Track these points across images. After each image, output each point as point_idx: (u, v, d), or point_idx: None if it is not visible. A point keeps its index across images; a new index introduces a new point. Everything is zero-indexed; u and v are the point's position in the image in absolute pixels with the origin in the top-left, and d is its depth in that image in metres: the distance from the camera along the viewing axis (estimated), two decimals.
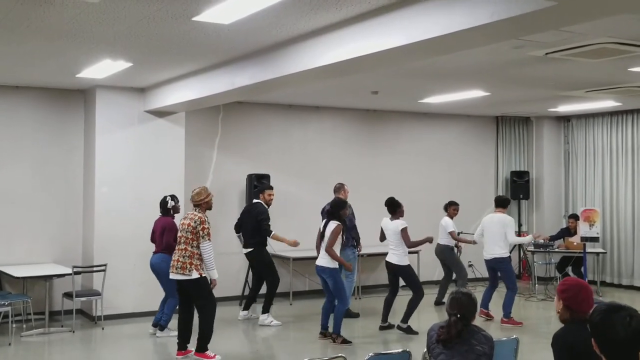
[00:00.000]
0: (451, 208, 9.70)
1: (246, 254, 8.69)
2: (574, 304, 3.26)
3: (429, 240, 8.28)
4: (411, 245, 7.95)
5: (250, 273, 9.60)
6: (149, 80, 8.26)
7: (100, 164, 8.69)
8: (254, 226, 8.47)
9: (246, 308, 8.74)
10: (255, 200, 8.71)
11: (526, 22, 4.10)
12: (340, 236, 7.45)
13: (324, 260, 7.48)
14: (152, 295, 8.25)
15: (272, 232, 8.40)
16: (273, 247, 8.95)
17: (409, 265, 8.00)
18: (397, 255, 7.95)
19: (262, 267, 8.53)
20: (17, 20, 5.31)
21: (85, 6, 4.87)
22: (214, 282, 6.82)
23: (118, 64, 7.07)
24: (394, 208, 8.04)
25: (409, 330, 7.93)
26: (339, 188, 8.94)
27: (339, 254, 7.48)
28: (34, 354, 7.29)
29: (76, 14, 5.09)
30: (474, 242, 9.33)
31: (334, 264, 7.46)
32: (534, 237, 10.18)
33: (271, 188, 8.74)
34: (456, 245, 9.91)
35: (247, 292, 9.77)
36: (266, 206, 8.55)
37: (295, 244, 8.48)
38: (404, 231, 7.87)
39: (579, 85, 8.59)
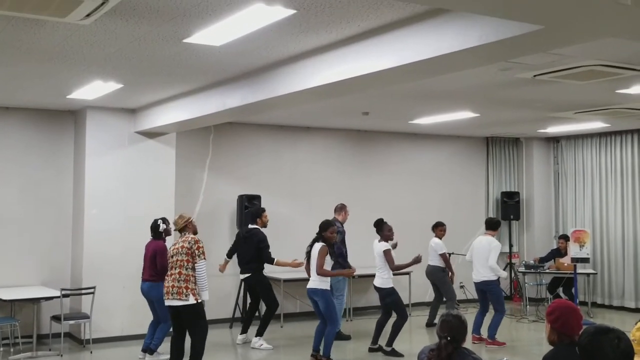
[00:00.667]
0: (438, 229, 9.69)
1: (244, 279, 8.63)
2: (563, 328, 3.26)
3: (417, 260, 8.11)
4: (395, 268, 7.93)
5: (243, 296, 9.57)
6: (139, 101, 8.27)
7: (90, 185, 8.65)
8: (252, 253, 8.42)
9: (244, 331, 8.66)
10: (251, 226, 8.61)
11: (515, 45, 4.15)
12: (327, 256, 7.40)
13: (315, 283, 7.45)
14: (141, 319, 8.17)
15: (275, 259, 8.40)
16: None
17: (392, 288, 7.98)
18: (381, 278, 7.97)
19: (262, 290, 8.47)
20: (8, 42, 5.32)
21: (76, 28, 4.89)
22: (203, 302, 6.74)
23: (109, 85, 7.07)
24: (379, 227, 8.06)
25: (394, 353, 7.90)
26: (340, 209, 8.93)
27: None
28: None
29: (67, 35, 5.10)
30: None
31: (325, 285, 7.43)
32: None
33: (264, 209, 8.70)
34: (448, 269, 9.89)
35: (237, 315, 9.72)
36: (263, 229, 8.53)
37: (298, 265, 8.40)
38: (386, 253, 7.87)
39: (567, 106, 8.65)
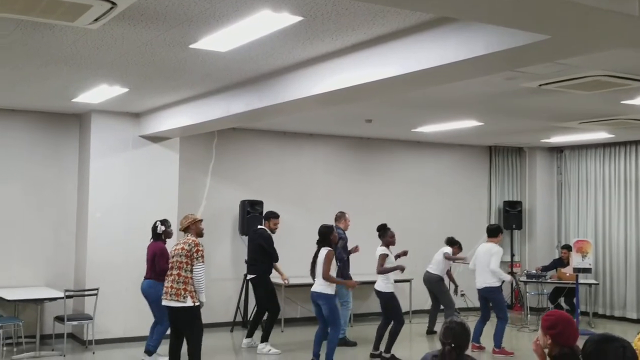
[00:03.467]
0: (455, 247, 9.75)
1: (250, 280, 8.66)
2: (562, 339, 3.26)
3: (401, 268, 8.21)
4: (380, 271, 7.99)
5: (245, 299, 9.59)
6: (144, 105, 8.30)
7: (94, 188, 8.68)
8: (257, 252, 8.45)
9: (249, 335, 8.67)
10: (259, 227, 8.69)
11: (520, 55, 4.17)
12: (334, 261, 7.46)
13: (320, 287, 7.46)
14: (144, 320, 8.18)
15: (278, 262, 8.48)
16: None
17: (391, 293, 8.01)
18: (382, 282, 8.01)
19: (264, 295, 8.47)
20: (16, 44, 5.35)
21: (84, 32, 4.92)
22: (202, 303, 6.75)
23: (114, 89, 7.10)
24: (382, 232, 8.12)
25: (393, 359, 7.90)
26: (340, 217, 8.96)
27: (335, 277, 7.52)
28: None
29: (75, 39, 5.14)
30: (467, 262, 9.37)
31: (331, 290, 7.45)
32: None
33: (277, 217, 8.68)
34: (453, 282, 9.90)
35: (238, 319, 9.73)
36: (270, 232, 8.56)
37: (285, 281, 8.68)
38: (380, 257, 7.94)
39: (572, 116, 8.66)
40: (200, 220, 6.86)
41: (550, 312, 3.48)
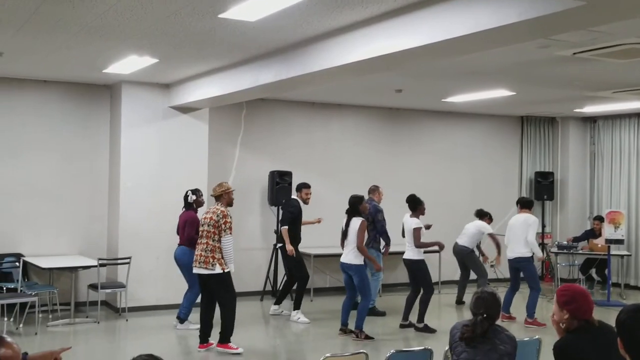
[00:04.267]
0: (486, 218, 9.67)
1: (280, 248, 8.72)
2: (580, 313, 3.25)
3: (440, 246, 8.23)
4: (419, 245, 7.97)
5: (274, 269, 9.70)
6: (173, 76, 8.34)
7: (125, 158, 8.79)
8: (285, 221, 8.50)
9: (278, 302, 8.79)
10: (292, 197, 8.75)
11: (554, 22, 4.08)
12: (363, 233, 7.49)
13: (349, 257, 7.51)
14: (175, 289, 8.34)
15: (284, 227, 8.38)
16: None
17: (422, 261, 8.03)
18: (411, 251, 8.03)
19: (292, 263, 8.54)
20: (46, 16, 5.39)
21: (113, 2, 4.94)
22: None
23: (144, 59, 7.14)
24: (414, 205, 8.09)
25: (427, 329, 7.94)
26: (374, 190, 8.97)
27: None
28: (59, 343, 7.36)
29: (104, 10, 5.16)
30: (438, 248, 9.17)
31: (360, 261, 7.49)
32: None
33: (308, 187, 8.69)
34: (482, 254, 9.84)
35: (268, 288, 9.85)
36: (302, 203, 8.58)
37: (290, 251, 8.36)
38: (415, 231, 7.91)
39: (606, 85, 8.49)
40: (233, 191, 6.94)
41: (565, 286, 3.45)
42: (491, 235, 9.49)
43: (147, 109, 8.91)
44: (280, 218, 8.90)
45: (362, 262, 7.52)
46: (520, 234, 8.48)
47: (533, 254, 8.57)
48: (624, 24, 4.90)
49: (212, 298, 6.89)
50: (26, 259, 8.24)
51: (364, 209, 7.71)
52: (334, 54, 5.74)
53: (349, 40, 5.54)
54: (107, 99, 9.22)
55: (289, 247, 8.35)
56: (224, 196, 6.85)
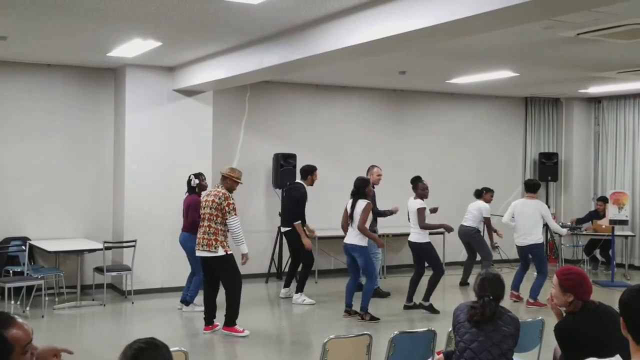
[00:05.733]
0: (488, 194, 9.66)
1: (284, 233, 8.74)
2: (584, 294, 3.28)
3: (447, 228, 8.22)
4: (424, 227, 7.97)
5: (279, 251, 9.74)
6: (177, 59, 8.33)
7: (130, 141, 8.82)
8: (294, 207, 8.50)
9: (287, 285, 8.84)
10: (297, 181, 8.73)
11: (558, 3, 4.06)
12: (367, 214, 7.51)
13: (353, 239, 7.56)
14: (180, 272, 8.39)
15: (299, 222, 8.40)
16: None
17: (429, 243, 8.04)
18: (417, 234, 8.03)
19: (298, 246, 8.59)
20: None
21: None
22: (245, 256, 6.90)
23: (148, 43, 7.13)
24: (415, 184, 8.10)
25: (431, 309, 7.99)
26: (369, 169, 8.97)
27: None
28: (66, 326, 7.48)
29: None
30: (500, 235, 9.39)
31: (364, 242, 7.53)
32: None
33: (315, 169, 8.66)
34: (489, 234, 9.84)
35: (273, 270, 9.90)
36: (305, 188, 8.57)
37: (308, 245, 8.40)
38: (420, 211, 7.92)
39: (610, 66, 8.46)
40: (240, 183, 6.98)
41: (566, 269, 3.46)
42: (487, 222, 9.48)
43: (151, 92, 8.91)
44: (284, 204, 8.82)
45: (366, 244, 7.56)
46: (532, 223, 8.45)
47: (542, 240, 8.62)
48: (627, 5, 4.88)
49: (215, 280, 6.94)
50: (32, 242, 8.28)
51: (369, 191, 7.74)
52: (338, 36, 5.72)
53: (353, 22, 5.52)
54: (111, 82, 9.23)
55: (306, 241, 8.36)
56: (228, 181, 6.86)
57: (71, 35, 6.84)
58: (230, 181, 6.87)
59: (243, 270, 7.04)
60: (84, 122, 9.08)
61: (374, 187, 8.85)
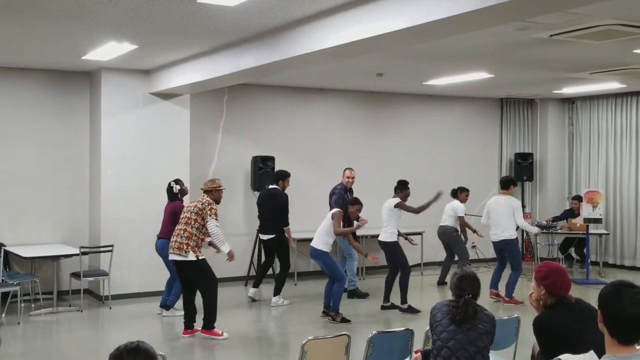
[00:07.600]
0: (463, 194, 9.75)
1: (265, 240, 8.64)
2: (556, 289, 3.33)
3: (439, 194, 8.29)
4: (418, 210, 8.09)
5: (258, 254, 9.71)
6: (154, 62, 8.29)
7: (106, 146, 8.74)
8: (277, 214, 8.48)
9: (256, 285, 8.82)
10: (272, 186, 8.67)
11: (532, 4, 4.12)
12: (339, 221, 7.66)
13: (313, 242, 7.71)
14: (158, 276, 8.34)
15: (288, 227, 8.57)
16: None
17: (395, 242, 8.12)
18: (385, 233, 8.14)
19: (281, 253, 8.59)
20: (24, 1, 5.33)
21: None
22: (229, 254, 6.86)
23: (123, 46, 7.09)
24: (402, 187, 8.20)
25: (411, 310, 8.03)
26: (343, 171, 9.02)
27: (333, 239, 7.73)
28: (42, 332, 7.40)
29: None
30: (480, 235, 9.50)
31: (323, 247, 7.62)
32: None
33: (289, 175, 8.70)
34: (462, 233, 9.93)
35: (252, 273, 9.88)
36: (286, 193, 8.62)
37: (294, 245, 8.64)
38: (399, 204, 8.00)
39: (583, 67, 8.58)
40: (223, 189, 7.03)
41: (542, 263, 3.54)
42: (461, 221, 9.58)
43: (127, 95, 8.85)
44: (265, 211, 8.77)
45: (325, 249, 7.64)
46: (504, 219, 8.56)
47: (517, 236, 8.71)
48: (600, 6, 4.96)
49: (191, 285, 6.93)
50: (7, 248, 8.18)
51: (354, 213, 7.90)
52: (315, 38, 5.74)
53: (330, 24, 5.54)
54: (87, 85, 9.15)
55: (293, 245, 8.55)
56: (213, 192, 6.92)
57: (45, 38, 6.77)
58: (215, 192, 6.91)
59: (222, 273, 7.05)
60: (59, 127, 8.98)
61: (349, 191, 8.92)
